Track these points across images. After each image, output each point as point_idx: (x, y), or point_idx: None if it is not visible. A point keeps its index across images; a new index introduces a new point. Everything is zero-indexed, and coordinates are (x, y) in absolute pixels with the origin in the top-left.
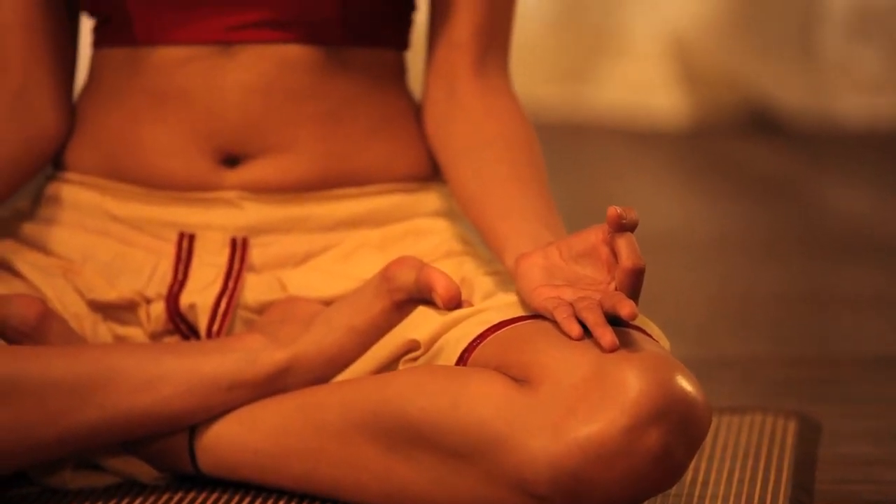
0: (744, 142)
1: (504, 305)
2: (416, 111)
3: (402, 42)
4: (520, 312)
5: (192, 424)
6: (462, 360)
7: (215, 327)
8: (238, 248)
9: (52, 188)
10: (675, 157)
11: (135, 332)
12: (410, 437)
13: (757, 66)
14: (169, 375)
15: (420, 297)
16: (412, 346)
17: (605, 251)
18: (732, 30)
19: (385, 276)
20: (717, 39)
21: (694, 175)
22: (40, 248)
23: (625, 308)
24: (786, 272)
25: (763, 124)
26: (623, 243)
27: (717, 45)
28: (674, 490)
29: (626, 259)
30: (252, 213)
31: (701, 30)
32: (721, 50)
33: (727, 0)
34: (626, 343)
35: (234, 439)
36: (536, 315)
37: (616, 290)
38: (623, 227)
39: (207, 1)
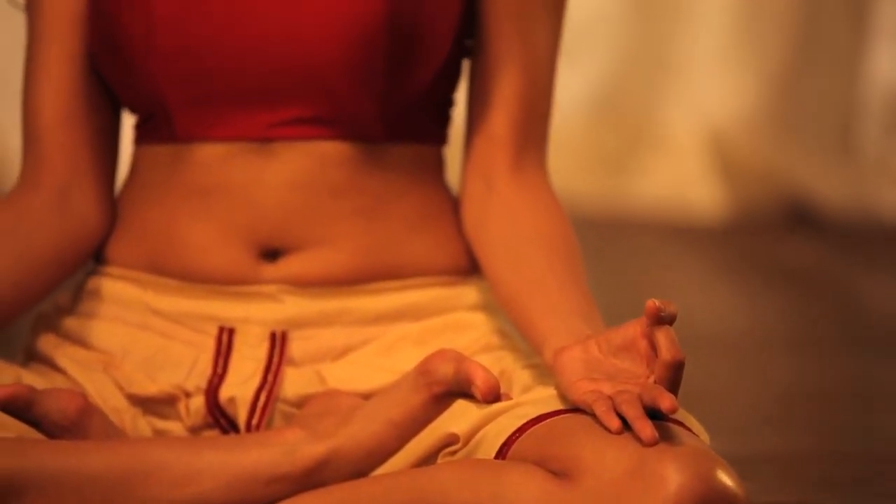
0: (783, 236)
1: (543, 399)
2: (454, 205)
3: (440, 138)
4: (559, 406)
5: None
6: (501, 453)
7: (254, 421)
8: (278, 342)
9: (92, 282)
10: (714, 251)
11: (174, 427)
12: None
13: (796, 160)
14: (208, 469)
15: (459, 390)
16: (451, 440)
17: (643, 344)
18: (771, 124)
19: (424, 369)
20: (756, 133)
21: (733, 270)
22: (81, 342)
23: (665, 401)
24: (826, 368)
25: (802, 219)
26: (662, 336)
27: (756, 139)
28: None
29: (666, 352)
30: (291, 306)
31: (739, 124)
32: (760, 144)
33: (766, 94)
34: (665, 437)
35: None
36: (576, 408)
37: (655, 383)
38: (662, 320)
39: (248, 99)
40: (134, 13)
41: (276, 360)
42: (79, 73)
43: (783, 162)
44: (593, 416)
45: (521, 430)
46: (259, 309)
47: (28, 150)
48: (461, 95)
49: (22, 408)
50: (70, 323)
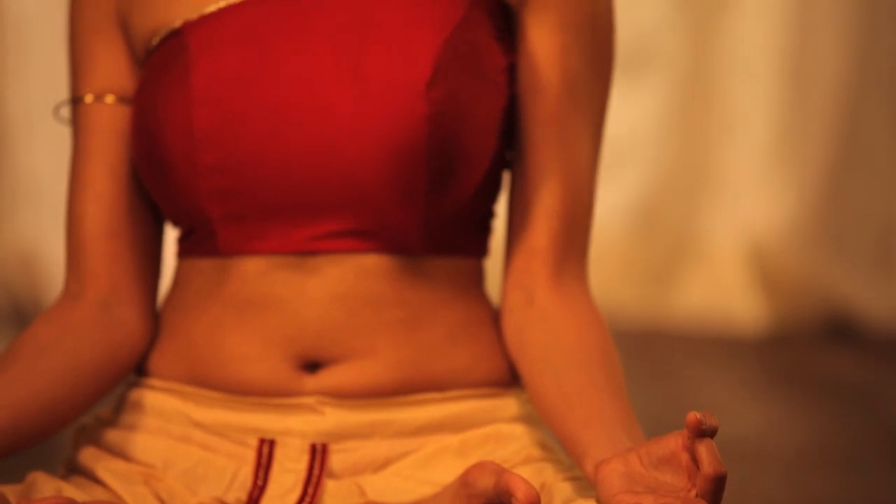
0: (823, 349)
1: None
2: (494, 317)
3: (481, 250)
4: None
5: None
6: None
7: None
8: (318, 455)
9: (134, 395)
10: (755, 363)
11: None
12: None
13: (836, 273)
14: None
15: (499, 502)
16: None
17: (685, 457)
18: (812, 236)
19: (464, 481)
20: (797, 245)
21: (774, 382)
22: (122, 454)
23: None
24: (867, 483)
25: (843, 332)
26: (703, 449)
27: (797, 251)
28: None
29: (707, 465)
30: (332, 418)
31: (780, 236)
32: (800, 257)
33: (806, 206)
34: None
35: None
36: None
37: (697, 496)
38: (703, 433)
39: (289, 212)
40: (175, 129)
41: (316, 472)
42: (122, 186)
43: (824, 275)
44: None
45: None
46: (299, 421)
47: (71, 262)
48: (501, 207)
49: None
50: (111, 435)
